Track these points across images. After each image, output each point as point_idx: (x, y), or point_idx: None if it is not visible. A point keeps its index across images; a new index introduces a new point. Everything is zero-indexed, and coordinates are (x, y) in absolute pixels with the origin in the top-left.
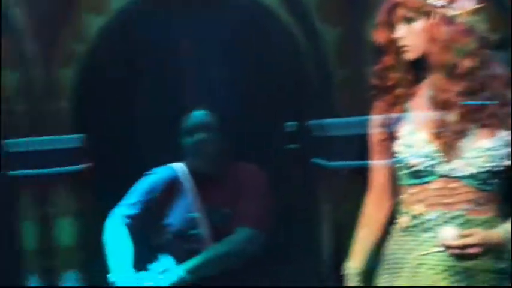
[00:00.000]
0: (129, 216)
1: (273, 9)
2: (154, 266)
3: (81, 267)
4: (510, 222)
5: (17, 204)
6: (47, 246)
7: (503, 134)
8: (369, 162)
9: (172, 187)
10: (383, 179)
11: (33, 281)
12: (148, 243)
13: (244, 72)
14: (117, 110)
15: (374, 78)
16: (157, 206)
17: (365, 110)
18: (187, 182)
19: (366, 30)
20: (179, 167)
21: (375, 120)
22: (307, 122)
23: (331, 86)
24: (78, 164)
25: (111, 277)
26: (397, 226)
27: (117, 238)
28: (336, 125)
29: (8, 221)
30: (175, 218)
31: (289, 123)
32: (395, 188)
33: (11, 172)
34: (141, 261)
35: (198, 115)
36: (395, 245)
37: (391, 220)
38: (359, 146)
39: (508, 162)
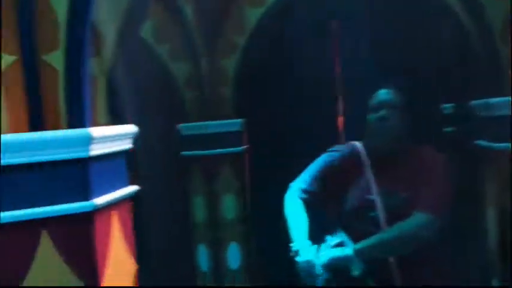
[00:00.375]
0: (305, 191)
1: None
2: (329, 239)
3: (242, 239)
4: None
5: (188, 181)
6: (214, 219)
7: None
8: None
9: (353, 165)
10: None
11: (202, 250)
12: (325, 217)
13: (409, 52)
14: (273, 95)
15: None
16: (336, 183)
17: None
18: (367, 162)
19: None
20: (360, 146)
21: None
22: (470, 103)
23: (498, 64)
24: (239, 146)
25: (294, 246)
26: None
27: (293, 211)
28: (502, 104)
29: (182, 196)
30: (353, 198)
31: (447, 105)
32: None
33: (183, 152)
34: (319, 234)
35: (383, 93)
36: None
37: None
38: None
39: None
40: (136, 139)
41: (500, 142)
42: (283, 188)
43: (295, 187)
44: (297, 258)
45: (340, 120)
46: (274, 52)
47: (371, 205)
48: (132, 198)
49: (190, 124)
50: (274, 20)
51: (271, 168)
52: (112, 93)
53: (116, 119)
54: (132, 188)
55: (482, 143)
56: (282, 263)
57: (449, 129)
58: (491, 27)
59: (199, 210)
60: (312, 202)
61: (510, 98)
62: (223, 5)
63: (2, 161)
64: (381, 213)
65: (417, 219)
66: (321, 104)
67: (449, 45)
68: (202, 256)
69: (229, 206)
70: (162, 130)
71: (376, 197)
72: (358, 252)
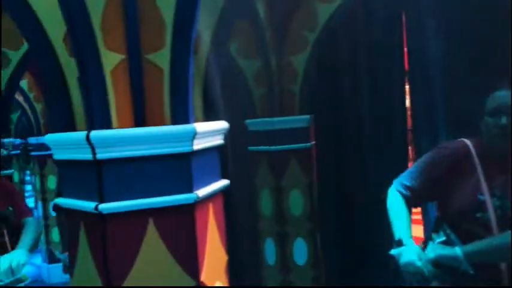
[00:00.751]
0: (407, 187)
1: None
2: (435, 237)
3: (309, 235)
4: None
5: (256, 176)
6: (280, 214)
7: None
8: None
9: (462, 164)
10: None
11: (269, 243)
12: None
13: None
14: (342, 92)
15: None
16: (444, 181)
17: None
18: (477, 161)
19: None
20: (470, 144)
21: None
22: None
23: None
24: (306, 142)
25: (395, 246)
26: None
27: (395, 207)
28: None
29: (249, 190)
30: (462, 197)
31: None
32: None
33: (251, 147)
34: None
35: (503, 96)
36: None
37: None
38: None
39: None
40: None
41: None
42: (349, 185)
43: (398, 182)
44: (400, 259)
45: (409, 115)
46: (344, 48)
47: (480, 206)
48: (224, 191)
49: (257, 120)
50: (346, 16)
51: (338, 164)
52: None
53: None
54: (224, 182)
55: None
56: (346, 259)
57: None
58: None
59: (266, 204)
60: (415, 199)
61: None
62: (294, 1)
63: (111, 154)
64: (491, 215)
65: None
66: (391, 100)
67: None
68: (269, 249)
69: (295, 201)
70: (232, 125)
71: (486, 197)
72: (467, 255)
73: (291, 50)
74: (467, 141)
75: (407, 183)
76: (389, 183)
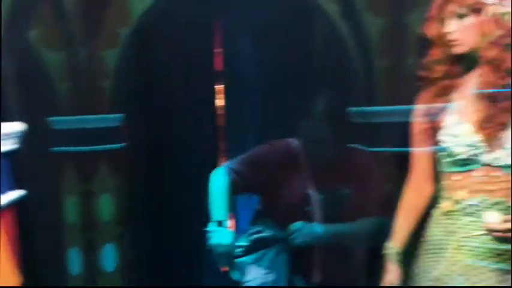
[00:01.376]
0: (234, 170)
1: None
2: (251, 228)
3: (119, 240)
4: None
5: (60, 180)
6: (88, 220)
7: None
8: (410, 149)
9: (290, 161)
10: (424, 166)
11: (74, 253)
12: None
13: (285, 61)
14: (155, 91)
15: (422, 70)
16: (271, 174)
17: (406, 100)
18: (304, 159)
19: (410, 22)
20: (297, 145)
21: (420, 109)
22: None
23: (373, 75)
24: (117, 143)
25: (209, 227)
26: (439, 210)
27: (216, 189)
28: (377, 112)
29: (52, 195)
30: (290, 191)
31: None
32: (435, 175)
33: (55, 148)
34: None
35: (324, 101)
36: (436, 228)
37: (431, 204)
38: (399, 134)
39: None
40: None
41: (374, 147)
42: (164, 185)
43: (226, 165)
44: (211, 240)
45: (221, 117)
46: (157, 47)
47: (308, 200)
48: (17, 203)
49: (63, 118)
50: (161, 12)
51: (152, 165)
52: None
53: None
54: (18, 192)
55: (358, 146)
56: (159, 261)
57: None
58: (368, 41)
59: (72, 211)
60: (241, 185)
61: (383, 107)
62: None
63: None
64: (316, 208)
65: (378, 219)
66: (202, 101)
67: (330, 55)
68: (74, 259)
69: (105, 206)
70: (32, 124)
71: (313, 192)
72: (327, 233)
73: (102, 44)
74: (295, 142)
75: (235, 167)
76: (201, 182)
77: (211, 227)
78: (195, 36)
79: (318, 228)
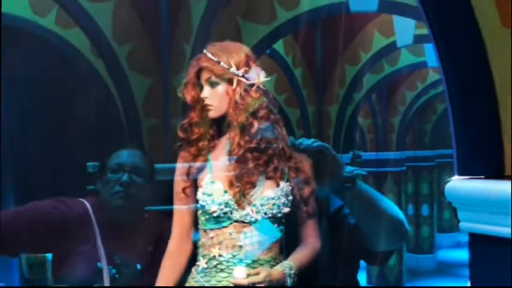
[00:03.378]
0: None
1: (84, 54)
2: None
3: None
4: (289, 261)
5: None
6: None
7: (284, 185)
8: (173, 207)
9: (80, 226)
10: (185, 225)
11: None
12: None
13: (52, 113)
14: None
15: (180, 131)
16: (61, 243)
17: (171, 158)
18: (96, 225)
19: (174, 83)
20: (89, 206)
21: (180, 168)
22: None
23: (140, 132)
24: None
25: None
26: (196, 268)
27: None
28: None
29: None
30: (78, 263)
31: (91, 163)
32: (195, 232)
33: None
34: None
35: (126, 155)
36: (194, 285)
37: (192, 262)
38: (165, 192)
39: (286, 209)
40: None
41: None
42: None
43: None
44: None
45: None
46: None
47: (99, 275)
48: None
49: None
50: None
51: None
52: None
53: None
54: None
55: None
56: None
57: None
58: (135, 98)
59: None
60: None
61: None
62: None
63: None
64: (106, 284)
65: None
66: None
67: (98, 110)
68: None
69: None
70: None
71: (104, 265)
72: None
73: None
74: (86, 202)
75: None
76: None
77: None
78: None
79: None
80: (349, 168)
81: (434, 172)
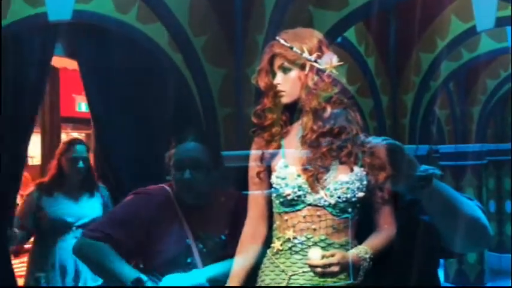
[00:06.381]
0: (105, 235)
1: (163, 48)
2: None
3: None
4: (363, 245)
5: None
6: None
7: (358, 170)
8: (248, 192)
9: (164, 208)
10: (260, 208)
11: None
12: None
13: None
14: None
15: (254, 117)
16: (147, 227)
17: (245, 145)
18: (179, 208)
19: (248, 73)
20: (171, 191)
21: (254, 154)
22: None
23: (215, 122)
24: None
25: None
26: (271, 250)
27: (100, 253)
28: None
29: None
30: (169, 244)
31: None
32: (270, 216)
33: None
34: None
35: (186, 149)
36: (269, 267)
37: (268, 245)
38: (239, 178)
39: (361, 194)
40: None
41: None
42: None
43: (94, 230)
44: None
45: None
46: None
47: (187, 251)
48: None
49: None
50: None
51: None
52: None
53: None
54: None
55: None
56: None
57: None
58: (210, 89)
59: None
60: (116, 248)
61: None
62: None
63: None
64: (197, 258)
65: None
66: None
67: (176, 102)
68: None
69: None
70: None
71: (192, 241)
72: (211, 280)
73: None
74: (167, 187)
75: (106, 231)
76: None
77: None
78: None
79: (198, 277)
80: (423, 167)
81: None
